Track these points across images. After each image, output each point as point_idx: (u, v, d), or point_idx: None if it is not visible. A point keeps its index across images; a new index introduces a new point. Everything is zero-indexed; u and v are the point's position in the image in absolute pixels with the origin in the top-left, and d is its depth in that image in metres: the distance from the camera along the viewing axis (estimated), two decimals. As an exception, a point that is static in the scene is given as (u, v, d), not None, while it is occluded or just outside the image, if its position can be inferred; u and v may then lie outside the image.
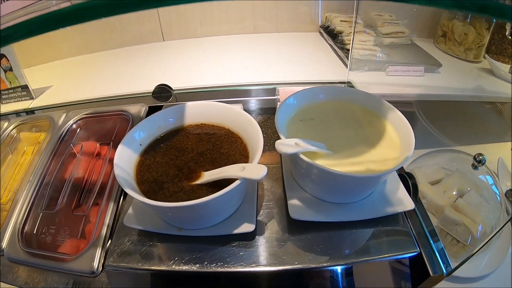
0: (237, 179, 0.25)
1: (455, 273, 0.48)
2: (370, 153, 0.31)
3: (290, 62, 0.66)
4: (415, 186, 0.33)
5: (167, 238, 0.29)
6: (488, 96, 0.67)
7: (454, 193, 0.56)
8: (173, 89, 0.47)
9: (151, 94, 0.47)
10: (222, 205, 0.27)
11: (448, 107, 0.87)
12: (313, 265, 0.27)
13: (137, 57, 0.65)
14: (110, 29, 0.64)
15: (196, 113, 0.34)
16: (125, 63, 0.64)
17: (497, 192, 0.57)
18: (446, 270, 0.26)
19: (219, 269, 0.27)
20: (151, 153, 0.32)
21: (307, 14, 0.72)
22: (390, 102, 0.62)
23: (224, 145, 0.32)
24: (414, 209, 0.31)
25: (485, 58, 0.78)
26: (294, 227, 0.30)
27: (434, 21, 0.81)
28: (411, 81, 0.62)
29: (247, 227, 0.28)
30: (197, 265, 0.27)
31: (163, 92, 0.46)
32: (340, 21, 0.69)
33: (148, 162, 0.31)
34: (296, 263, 0.27)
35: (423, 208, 0.34)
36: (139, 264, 0.28)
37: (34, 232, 0.37)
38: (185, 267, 0.27)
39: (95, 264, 0.31)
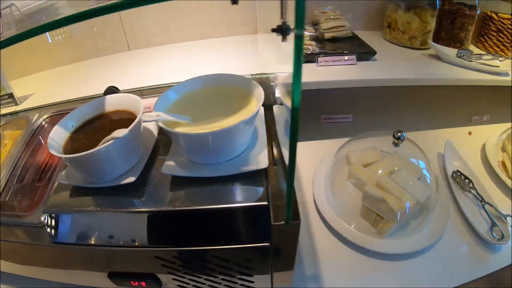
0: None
1: (386, 250, 0.52)
2: (228, 119, 0.38)
3: (240, 62, 0.74)
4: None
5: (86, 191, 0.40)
6: (432, 79, 0.69)
7: (384, 172, 0.60)
8: (120, 89, 0.57)
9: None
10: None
11: (396, 92, 0.90)
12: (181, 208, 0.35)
13: (105, 66, 0.78)
14: (81, 42, 0.78)
15: (112, 103, 0.44)
16: (95, 71, 0.77)
17: (428, 175, 0.60)
18: (287, 221, 0.32)
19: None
20: (78, 132, 0.43)
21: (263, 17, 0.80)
22: (323, 89, 0.68)
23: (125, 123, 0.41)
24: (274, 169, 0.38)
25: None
26: (175, 182, 0.38)
27: (381, 13, 0.85)
28: (344, 70, 0.67)
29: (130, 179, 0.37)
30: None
31: (111, 92, 0.56)
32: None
33: (74, 137, 0.42)
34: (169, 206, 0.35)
35: (283, 169, 0.39)
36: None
37: (7, 200, 0.48)
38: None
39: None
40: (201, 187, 0.37)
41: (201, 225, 0.36)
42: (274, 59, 0.69)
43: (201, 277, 0.42)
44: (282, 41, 0.30)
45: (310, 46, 0.69)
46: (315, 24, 0.80)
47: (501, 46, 0.91)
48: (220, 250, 0.37)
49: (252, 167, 0.38)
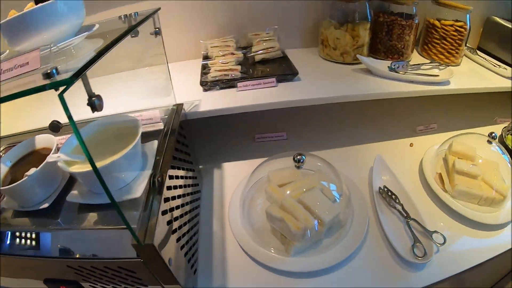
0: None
1: (289, 268, 0.53)
2: (112, 157, 0.42)
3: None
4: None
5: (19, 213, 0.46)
6: (355, 95, 0.69)
7: (296, 192, 0.60)
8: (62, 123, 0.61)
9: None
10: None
11: (333, 108, 0.90)
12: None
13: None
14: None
15: (39, 141, 0.52)
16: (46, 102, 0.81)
17: (337, 196, 0.61)
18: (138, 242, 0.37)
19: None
20: (14, 166, 0.50)
21: (192, 43, 0.83)
22: (240, 113, 0.68)
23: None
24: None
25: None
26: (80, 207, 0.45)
27: (317, 30, 0.85)
28: (264, 93, 0.68)
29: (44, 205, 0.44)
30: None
31: (54, 127, 0.60)
32: (211, 47, 0.79)
33: (11, 171, 0.49)
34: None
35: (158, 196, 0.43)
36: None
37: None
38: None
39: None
40: (95, 211, 0.43)
41: (87, 242, 0.42)
42: (184, 88, 0.71)
43: (108, 285, 0.46)
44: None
45: (233, 72, 0.71)
46: (249, 46, 0.82)
47: (446, 54, 0.89)
48: (104, 262, 0.42)
49: (129, 196, 0.43)
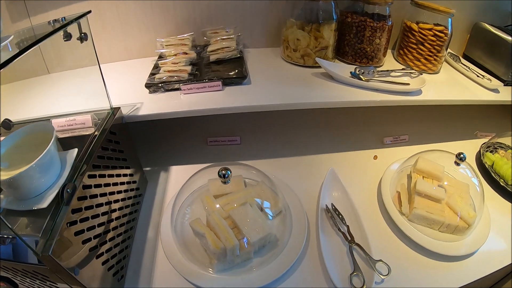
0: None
1: (210, 285, 0.50)
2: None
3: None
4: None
5: None
6: (308, 103, 0.64)
7: (228, 206, 0.57)
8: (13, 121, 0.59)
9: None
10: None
11: (293, 113, 0.84)
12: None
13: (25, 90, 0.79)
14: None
15: None
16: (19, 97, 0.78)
17: (270, 214, 0.57)
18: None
19: None
20: None
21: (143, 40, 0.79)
22: (193, 116, 0.64)
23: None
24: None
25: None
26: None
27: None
28: (209, 97, 0.64)
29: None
30: None
31: (5, 125, 0.58)
32: (166, 45, 0.74)
33: None
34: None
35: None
36: None
37: None
38: None
39: None
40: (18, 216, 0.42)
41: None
42: (131, 90, 0.67)
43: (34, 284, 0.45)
44: None
45: (181, 73, 0.66)
46: (207, 45, 0.77)
47: (423, 60, 0.82)
48: (21, 265, 0.40)
49: (36, 206, 0.41)
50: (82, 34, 0.52)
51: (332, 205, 0.62)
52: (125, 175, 0.60)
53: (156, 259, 0.56)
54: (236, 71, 0.67)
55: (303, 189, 0.66)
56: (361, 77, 0.70)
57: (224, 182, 0.53)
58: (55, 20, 0.48)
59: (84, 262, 0.43)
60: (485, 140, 0.91)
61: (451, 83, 0.83)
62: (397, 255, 0.57)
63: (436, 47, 0.80)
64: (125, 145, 0.61)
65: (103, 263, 0.48)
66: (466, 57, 0.98)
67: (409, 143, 0.84)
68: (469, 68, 0.89)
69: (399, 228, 0.60)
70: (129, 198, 0.61)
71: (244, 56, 0.76)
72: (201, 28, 0.78)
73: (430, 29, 0.79)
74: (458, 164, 0.63)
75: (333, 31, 0.73)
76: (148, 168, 0.72)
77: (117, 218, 0.55)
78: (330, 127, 0.85)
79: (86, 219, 0.46)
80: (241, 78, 0.66)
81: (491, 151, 0.90)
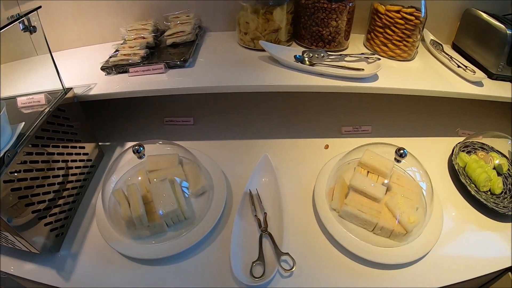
0: None
1: (128, 253, 0.54)
2: None
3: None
4: None
5: None
6: (244, 86, 0.64)
7: (154, 180, 0.61)
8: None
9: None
10: None
11: (250, 97, 0.83)
12: None
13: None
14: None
15: None
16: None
17: (186, 192, 0.60)
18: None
19: None
20: None
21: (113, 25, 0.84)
22: (153, 96, 0.68)
23: None
24: None
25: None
26: None
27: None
28: (154, 79, 0.68)
29: None
30: None
31: None
32: (128, 30, 0.79)
33: None
34: None
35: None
36: None
37: None
38: None
39: None
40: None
41: None
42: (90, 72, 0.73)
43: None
44: None
45: (135, 57, 0.70)
46: (166, 30, 0.80)
47: (390, 45, 0.76)
48: None
49: None
50: (31, 27, 0.59)
51: (256, 190, 0.62)
52: (74, 147, 0.67)
53: (92, 224, 0.62)
54: (184, 54, 0.70)
55: (238, 172, 0.67)
56: (306, 61, 0.67)
57: (139, 157, 0.56)
58: (12, 16, 0.56)
59: (16, 215, 0.49)
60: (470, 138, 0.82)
61: (425, 73, 0.75)
62: (313, 251, 0.55)
63: (405, 31, 0.73)
64: (75, 121, 0.68)
65: (40, 219, 0.55)
66: (455, 46, 0.87)
67: (372, 134, 0.78)
68: (451, 57, 0.80)
69: (322, 222, 0.58)
70: (78, 167, 0.68)
71: (201, 40, 0.78)
72: (164, 12, 0.81)
73: (398, 11, 0.72)
74: (398, 161, 0.58)
75: (285, 13, 0.71)
76: (107, 143, 0.79)
77: (60, 184, 0.62)
78: (287, 113, 0.84)
79: (25, 179, 0.54)
80: (182, 61, 0.68)
81: (468, 152, 0.80)
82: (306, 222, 0.60)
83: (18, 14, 0.56)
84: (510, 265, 0.58)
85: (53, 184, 0.60)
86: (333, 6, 0.69)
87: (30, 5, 0.81)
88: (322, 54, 0.68)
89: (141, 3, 0.81)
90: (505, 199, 0.74)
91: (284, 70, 0.68)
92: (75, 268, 0.54)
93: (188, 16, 0.80)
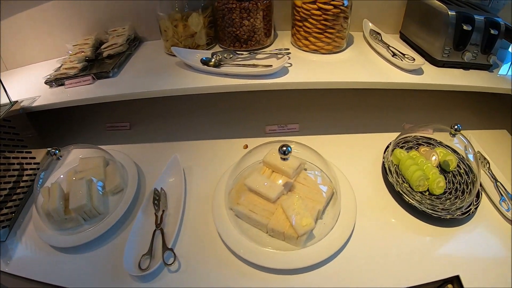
0: None
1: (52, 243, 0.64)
2: None
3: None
4: None
5: None
6: (153, 92, 0.70)
7: (73, 178, 0.70)
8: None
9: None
10: None
11: (179, 100, 0.88)
12: None
13: None
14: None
15: None
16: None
17: (100, 190, 0.67)
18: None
19: None
20: None
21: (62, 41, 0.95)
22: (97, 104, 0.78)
23: None
24: None
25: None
26: None
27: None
28: (81, 90, 0.77)
29: None
30: None
31: None
32: (73, 45, 0.90)
33: None
34: None
35: None
36: None
37: None
38: None
39: None
40: None
41: None
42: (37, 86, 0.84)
43: None
44: None
45: (73, 70, 0.80)
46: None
47: (312, 39, 0.76)
48: None
49: None
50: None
51: (162, 189, 0.67)
52: (20, 151, 0.79)
53: (32, 218, 0.73)
54: (111, 65, 0.78)
55: (154, 172, 0.73)
56: (212, 63, 0.70)
57: (57, 159, 0.66)
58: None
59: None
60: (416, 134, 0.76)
61: (352, 64, 0.74)
62: (204, 249, 0.58)
63: (324, 22, 0.71)
64: (22, 129, 0.80)
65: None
66: (402, 35, 0.82)
67: (300, 133, 0.78)
68: (389, 46, 0.75)
69: (215, 222, 0.60)
70: (25, 169, 0.80)
71: (135, 50, 0.86)
72: (104, 27, 0.91)
73: (313, 2, 0.71)
74: (284, 159, 0.57)
75: (202, 18, 0.75)
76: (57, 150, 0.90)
77: (6, 183, 0.74)
78: (212, 113, 0.87)
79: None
80: (105, 72, 0.76)
81: (410, 148, 0.75)
82: (203, 221, 0.63)
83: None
84: (448, 276, 0.53)
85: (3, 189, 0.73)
86: (243, 5, 0.71)
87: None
88: (230, 55, 0.70)
89: (86, 20, 0.91)
90: (448, 200, 0.68)
91: (194, 74, 0.72)
92: (15, 254, 0.63)
93: (123, 28, 0.88)
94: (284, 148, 0.55)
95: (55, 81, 0.81)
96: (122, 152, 0.76)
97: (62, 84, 0.81)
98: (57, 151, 0.65)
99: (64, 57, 0.91)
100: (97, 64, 0.84)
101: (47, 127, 0.92)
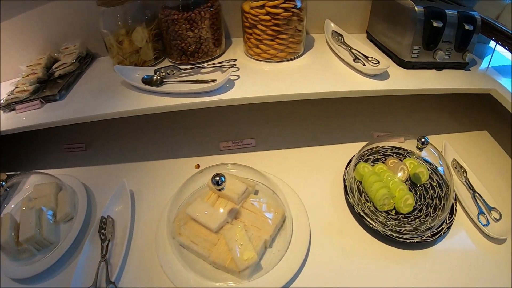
0: None
1: None
2: None
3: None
4: None
5: None
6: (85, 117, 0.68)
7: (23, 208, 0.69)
8: None
9: None
10: None
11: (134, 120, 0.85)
12: None
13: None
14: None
15: None
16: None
17: (50, 220, 0.66)
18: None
19: None
20: None
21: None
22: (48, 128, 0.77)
23: None
24: None
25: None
26: None
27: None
28: (30, 115, 0.75)
29: None
30: None
31: None
32: (27, 66, 0.88)
33: None
34: None
35: None
36: None
37: None
38: None
39: None
40: None
41: None
42: None
43: None
44: None
45: (24, 93, 0.78)
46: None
47: (263, 47, 0.71)
48: None
49: None
50: None
51: (109, 216, 0.65)
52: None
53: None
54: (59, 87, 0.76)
55: (105, 197, 0.70)
56: (154, 81, 0.66)
57: (5, 190, 0.65)
58: None
59: None
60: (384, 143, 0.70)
61: (308, 72, 0.68)
62: (148, 281, 0.56)
63: (274, 28, 0.66)
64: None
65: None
66: (369, 35, 0.75)
67: (256, 148, 0.73)
68: (351, 49, 0.69)
69: (157, 254, 0.57)
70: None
71: (87, 68, 0.83)
72: (58, 45, 0.88)
73: (261, 7, 0.65)
74: (219, 190, 0.52)
75: (146, 32, 0.71)
76: (18, 172, 0.88)
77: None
78: (163, 133, 0.83)
79: None
80: (52, 95, 0.74)
81: (376, 160, 0.70)
82: (149, 252, 0.60)
83: None
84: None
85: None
86: (185, 15, 0.66)
87: None
88: (173, 71, 0.66)
89: (39, 38, 0.88)
90: (417, 219, 0.62)
91: (136, 94, 0.68)
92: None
93: (75, 46, 0.85)
94: (217, 178, 0.51)
95: (7, 106, 0.80)
96: (74, 177, 0.74)
97: (14, 109, 0.80)
98: (3, 183, 0.64)
99: (18, 79, 0.90)
100: (50, 84, 0.82)
101: (6, 152, 0.92)
